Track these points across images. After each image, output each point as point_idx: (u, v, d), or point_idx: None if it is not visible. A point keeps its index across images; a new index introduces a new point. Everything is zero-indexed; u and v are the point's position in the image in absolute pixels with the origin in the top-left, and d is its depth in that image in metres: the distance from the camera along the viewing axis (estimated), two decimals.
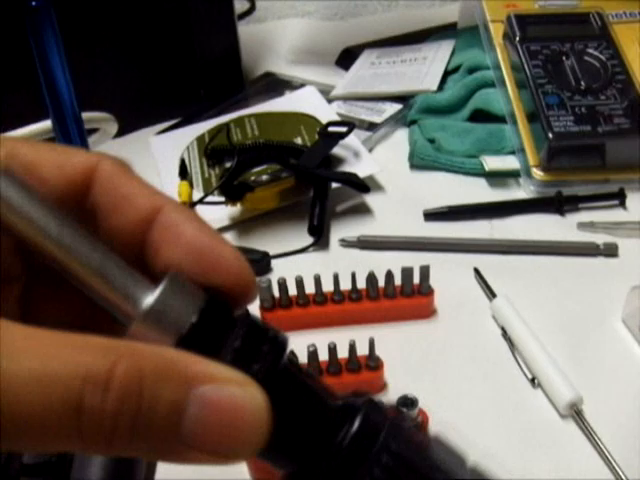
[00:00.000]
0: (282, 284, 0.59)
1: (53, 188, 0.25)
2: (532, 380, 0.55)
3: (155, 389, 0.20)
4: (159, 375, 0.20)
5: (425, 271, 0.60)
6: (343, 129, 0.77)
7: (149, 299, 0.22)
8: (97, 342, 0.20)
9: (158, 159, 0.85)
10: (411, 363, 0.57)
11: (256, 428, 0.21)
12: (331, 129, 0.78)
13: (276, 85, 1.00)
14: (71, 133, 0.72)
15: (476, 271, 0.65)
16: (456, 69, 0.92)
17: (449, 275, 0.64)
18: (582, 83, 0.77)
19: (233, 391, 0.21)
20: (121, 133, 0.85)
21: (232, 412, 0.20)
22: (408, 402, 0.49)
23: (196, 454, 0.21)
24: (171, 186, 0.78)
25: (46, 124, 0.74)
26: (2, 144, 0.25)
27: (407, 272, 0.60)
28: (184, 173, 0.78)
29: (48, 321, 0.27)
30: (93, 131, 0.78)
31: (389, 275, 0.60)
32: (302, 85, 0.97)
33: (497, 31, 0.89)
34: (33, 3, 0.66)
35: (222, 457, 0.21)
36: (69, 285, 0.25)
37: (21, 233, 0.23)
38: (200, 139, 0.86)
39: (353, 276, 0.60)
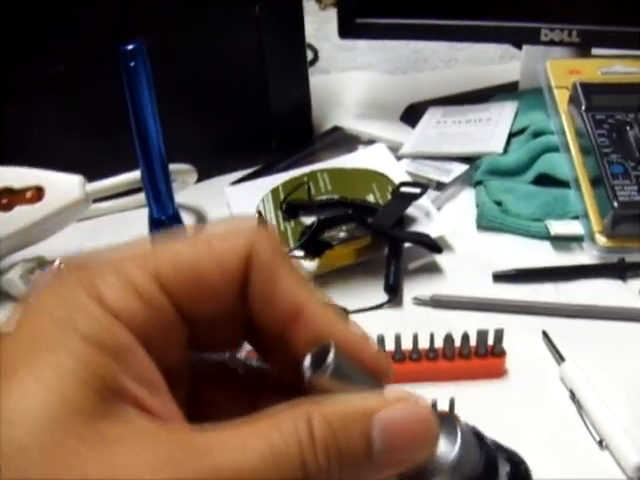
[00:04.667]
0: None
1: (213, 285, 0.28)
2: (600, 442, 0.58)
3: (346, 432, 0.25)
4: (344, 421, 0.25)
5: (499, 334, 0.63)
6: (416, 190, 0.81)
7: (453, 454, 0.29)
8: (287, 415, 0.25)
9: (234, 210, 0.89)
10: (485, 421, 0.60)
11: (428, 431, 0.26)
12: (404, 189, 0.82)
13: (344, 140, 1.04)
14: (159, 185, 0.76)
15: (545, 334, 0.68)
16: (520, 131, 0.96)
17: (518, 337, 0.67)
18: None
19: (402, 407, 0.26)
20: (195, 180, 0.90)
21: (407, 423, 0.26)
22: None
23: (387, 470, 0.26)
24: None
25: (135, 175, 0.79)
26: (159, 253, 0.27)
27: (482, 334, 0.63)
28: None
29: (213, 414, 0.29)
30: (172, 181, 0.82)
31: (465, 337, 0.63)
32: (370, 141, 1.01)
33: (561, 97, 0.92)
34: (132, 64, 0.71)
35: (409, 462, 0.26)
36: (230, 380, 0.31)
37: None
38: (275, 192, 0.90)
39: (432, 336, 0.64)
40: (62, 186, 0.76)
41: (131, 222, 0.90)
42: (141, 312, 0.26)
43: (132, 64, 0.70)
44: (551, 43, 0.99)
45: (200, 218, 0.91)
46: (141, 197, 0.83)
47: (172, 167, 0.79)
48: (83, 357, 0.23)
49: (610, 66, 0.97)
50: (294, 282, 0.29)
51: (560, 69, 0.97)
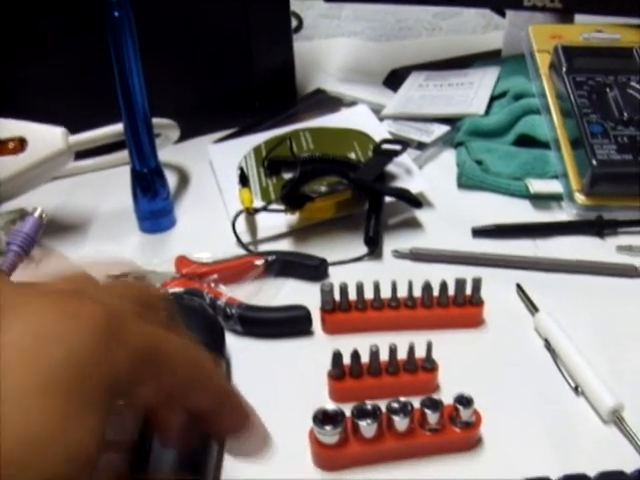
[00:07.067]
0: (343, 289, 0.64)
1: None
2: (575, 388, 0.59)
3: None
4: None
5: (477, 283, 0.64)
6: (397, 147, 0.82)
7: None
8: None
9: (216, 167, 0.90)
10: (462, 368, 0.61)
11: None
12: (385, 147, 0.83)
13: (327, 102, 1.04)
14: (141, 137, 0.76)
15: (519, 287, 0.69)
16: (501, 95, 0.97)
17: (495, 289, 0.68)
18: (625, 114, 0.81)
19: None
20: (179, 140, 0.90)
21: None
22: (464, 400, 0.53)
23: None
24: (230, 193, 0.83)
25: (117, 127, 0.79)
26: None
27: (460, 283, 0.64)
28: (245, 181, 0.83)
29: None
30: (156, 136, 0.82)
31: (444, 285, 0.64)
32: (353, 103, 1.01)
33: (543, 61, 0.93)
34: (116, 13, 0.71)
35: None
36: None
37: None
38: (257, 150, 0.90)
39: (410, 284, 0.64)
40: (45, 137, 0.76)
41: (113, 179, 0.90)
42: None
43: (116, 14, 0.70)
44: (534, 8, 0.99)
45: (183, 175, 0.91)
46: (123, 155, 0.83)
47: (155, 121, 0.79)
48: None
49: (592, 32, 0.98)
50: None
51: (542, 34, 0.97)
